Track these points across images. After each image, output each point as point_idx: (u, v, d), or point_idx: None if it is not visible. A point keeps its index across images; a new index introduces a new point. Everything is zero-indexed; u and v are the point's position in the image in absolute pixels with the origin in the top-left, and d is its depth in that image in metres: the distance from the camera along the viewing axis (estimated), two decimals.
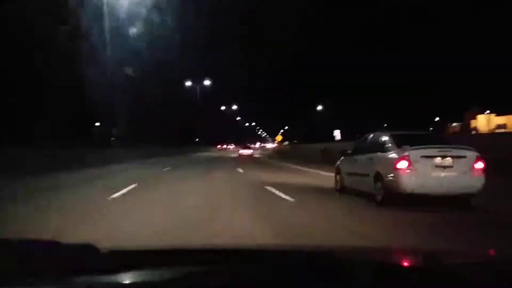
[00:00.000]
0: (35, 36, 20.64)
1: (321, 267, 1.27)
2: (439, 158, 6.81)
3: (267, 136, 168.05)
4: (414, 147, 6.93)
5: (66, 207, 7.32)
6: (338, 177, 9.52)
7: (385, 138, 7.65)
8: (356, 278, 1.14)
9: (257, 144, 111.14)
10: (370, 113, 62.88)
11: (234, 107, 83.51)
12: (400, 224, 5.83)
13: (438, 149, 6.93)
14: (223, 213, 6.65)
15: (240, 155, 40.44)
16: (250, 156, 40.49)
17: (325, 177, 12.79)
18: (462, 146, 7.18)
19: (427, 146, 7.01)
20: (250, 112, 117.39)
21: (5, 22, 18.49)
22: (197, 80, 53.84)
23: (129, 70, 29.18)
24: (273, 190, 9.41)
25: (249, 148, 46.77)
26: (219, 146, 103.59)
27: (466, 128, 35.77)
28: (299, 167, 19.52)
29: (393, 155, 7.10)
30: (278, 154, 41.98)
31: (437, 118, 47.09)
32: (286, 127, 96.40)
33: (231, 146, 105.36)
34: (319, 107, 53.83)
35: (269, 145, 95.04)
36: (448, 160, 6.81)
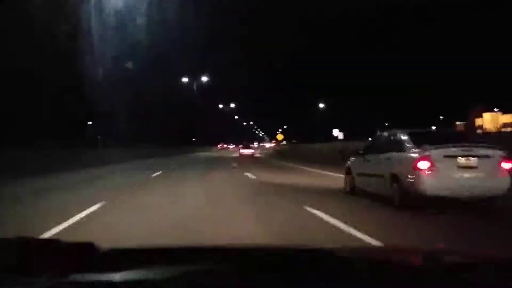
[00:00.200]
0: (34, 35, 20.18)
1: (321, 267, 1.25)
2: (463, 157, 6.27)
3: (265, 136, 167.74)
4: (435, 146, 6.40)
5: None
6: (348, 178, 8.98)
7: (402, 136, 7.09)
8: (356, 278, 1.13)
9: (255, 144, 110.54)
10: (370, 113, 62.63)
11: (232, 105, 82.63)
12: (425, 229, 5.30)
13: (461, 148, 6.39)
14: None
15: (241, 155, 39.91)
16: (251, 156, 40.00)
17: (335, 178, 12.31)
18: (486, 145, 6.65)
19: (450, 144, 6.47)
20: (248, 111, 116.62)
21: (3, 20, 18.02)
22: (195, 77, 52.88)
23: (129, 64, 28.52)
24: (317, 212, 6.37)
25: (249, 147, 46.32)
26: (219, 146, 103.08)
27: (471, 127, 35.31)
28: (314, 170, 18.88)
29: (412, 154, 6.56)
30: (279, 154, 41.42)
31: (441, 117, 46.66)
32: (285, 127, 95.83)
33: (231, 146, 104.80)
34: (319, 106, 53.33)
35: (268, 145, 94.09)
36: (473, 160, 6.27)
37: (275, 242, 4.70)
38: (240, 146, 48.24)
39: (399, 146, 6.99)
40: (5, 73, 18.07)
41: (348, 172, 9.02)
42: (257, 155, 45.91)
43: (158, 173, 16.04)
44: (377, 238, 4.54)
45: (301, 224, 5.69)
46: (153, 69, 38.09)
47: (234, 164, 22.25)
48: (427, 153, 6.29)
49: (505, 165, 6.36)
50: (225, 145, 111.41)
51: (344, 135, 42.47)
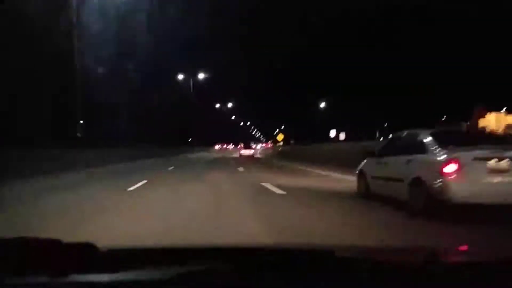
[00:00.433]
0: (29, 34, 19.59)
1: (321, 266, 1.23)
2: (494, 160, 5.69)
3: (261, 136, 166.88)
4: (463, 148, 5.83)
5: None
6: (361, 181, 8.41)
7: (424, 136, 6.50)
8: (356, 277, 1.12)
9: (252, 144, 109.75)
10: (369, 113, 61.95)
11: (230, 105, 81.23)
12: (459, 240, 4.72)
13: (492, 150, 5.82)
14: None
15: (241, 156, 39.78)
16: (252, 156, 39.89)
17: (345, 181, 11.72)
18: None
19: (479, 146, 5.90)
20: (245, 111, 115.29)
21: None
22: (193, 76, 51.44)
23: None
24: None
25: (250, 148, 46.02)
26: (218, 146, 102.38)
27: (475, 128, 34.81)
28: (327, 172, 18.34)
29: (438, 157, 5.97)
30: (282, 155, 40.79)
31: (444, 117, 46.02)
32: (283, 127, 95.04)
33: (231, 146, 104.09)
34: (318, 107, 52.78)
35: (266, 145, 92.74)
36: (505, 163, 5.69)
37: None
38: (240, 146, 47.80)
39: (421, 148, 6.41)
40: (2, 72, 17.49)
41: (361, 175, 8.45)
42: (258, 155, 45.48)
43: (139, 184, 11.19)
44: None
45: None
46: (150, 68, 37.35)
47: (241, 169, 19.04)
48: (455, 156, 5.72)
49: None
50: (224, 146, 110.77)
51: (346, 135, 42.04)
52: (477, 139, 6.52)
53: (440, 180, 5.73)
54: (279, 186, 10.05)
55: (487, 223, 5.44)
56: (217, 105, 78.37)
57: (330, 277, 1.12)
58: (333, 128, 41.83)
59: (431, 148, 6.21)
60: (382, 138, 53.60)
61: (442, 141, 6.18)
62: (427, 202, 5.94)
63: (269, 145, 66.97)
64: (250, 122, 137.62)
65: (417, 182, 6.21)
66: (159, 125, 43.61)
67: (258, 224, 5.56)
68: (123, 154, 26.40)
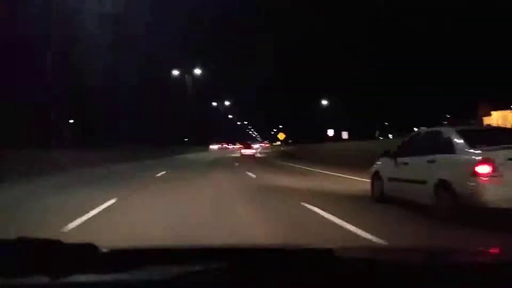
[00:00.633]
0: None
1: (321, 266, 1.20)
2: None
3: (258, 135, 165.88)
4: (496, 147, 5.27)
5: None
6: (376, 183, 7.83)
7: (451, 134, 5.93)
8: (356, 277, 1.11)
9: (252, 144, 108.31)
10: (369, 113, 61.42)
11: (227, 103, 79.29)
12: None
13: None
14: None
15: (243, 155, 39.80)
16: (253, 156, 39.92)
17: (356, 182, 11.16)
18: None
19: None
20: (242, 110, 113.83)
21: None
22: (189, 73, 48.85)
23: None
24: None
25: (251, 147, 46.13)
26: (218, 146, 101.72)
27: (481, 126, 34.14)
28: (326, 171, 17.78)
29: (469, 157, 5.41)
30: (283, 154, 40.26)
31: (448, 115, 45.60)
32: (280, 126, 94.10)
33: (231, 146, 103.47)
34: (317, 106, 52.12)
35: (264, 145, 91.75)
36: None
37: None
38: (239, 146, 47.46)
39: (447, 147, 5.84)
40: None
41: (375, 176, 7.88)
42: (258, 155, 45.17)
43: (101, 207, 7.14)
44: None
45: None
46: (145, 63, 36.06)
47: (252, 174, 15.06)
48: (489, 156, 5.15)
49: None
50: (224, 145, 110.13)
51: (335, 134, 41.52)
52: (505, 137, 5.93)
53: (471, 182, 5.17)
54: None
55: None
56: (214, 104, 76.50)
57: (329, 277, 1.11)
58: (330, 128, 41.50)
59: (460, 147, 5.64)
60: (381, 137, 53.41)
61: (471, 140, 5.62)
62: (455, 207, 5.38)
63: (267, 145, 66.08)
64: (246, 121, 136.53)
65: (442, 185, 5.65)
66: (154, 124, 42.30)
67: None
68: (107, 155, 23.92)
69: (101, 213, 6.68)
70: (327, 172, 15.60)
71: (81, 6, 24.10)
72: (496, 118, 33.96)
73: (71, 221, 5.79)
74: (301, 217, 6.34)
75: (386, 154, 7.58)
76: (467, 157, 5.43)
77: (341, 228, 5.47)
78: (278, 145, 77.63)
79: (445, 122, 31.41)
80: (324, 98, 48.17)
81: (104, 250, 1.30)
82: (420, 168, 6.29)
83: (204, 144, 72.50)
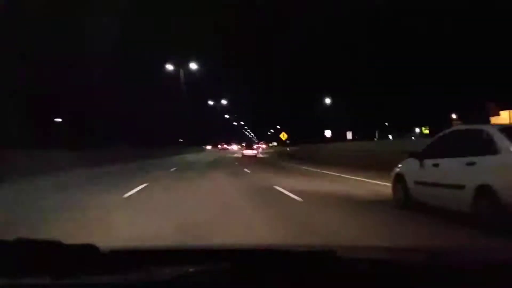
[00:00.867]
0: None
1: (321, 266, 1.18)
2: None
3: (254, 137, 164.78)
4: None
5: None
6: (399, 187, 7.14)
7: (494, 133, 5.23)
8: (357, 277, 1.11)
9: (242, 144, 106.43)
10: (369, 113, 60.87)
11: (224, 102, 75.65)
12: None
13: None
14: None
15: (244, 156, 39.89)
16: (255, 156, 39.85)
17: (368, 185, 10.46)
18: None
19: None
20: (238, 110, 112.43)
21: None
22: (182, 65, 44.30)
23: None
24: None
25: (252, 148, 46.19)
26: (219, 147, 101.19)
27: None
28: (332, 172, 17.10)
29: None
30: (285, 155, 39.56)
31: (454, 116, 44.82)
32: (278, 127, 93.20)
33: (230, 147, 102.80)
34: (318, 105, 51.51)
35: (260, 146, 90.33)
36: None
37: None
38: (239, 147, 47.07)
39: (490, 147, 5.14)
40: None
41: (399, 179, 7.18)
42: (260, 155, 44.84)
43: None
44: None
45: None
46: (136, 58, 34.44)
47: (281, 189, 10.13)
48: None
49: None
50: (224, 145, 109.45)
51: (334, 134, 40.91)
52: None
53: None
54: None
55: None
56: (211, 102, 73.31)
57: (330, 277, 1.10)
58: (329, 129, 41.09)
59: (505, 147, 4.95)
60: (379, 137, 52.67)
61: None
62: (499, 215, 4.71)
63: (264, 146, 65.03)
64: (243, 122, 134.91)
65: (484, 190, 4.97)
66: (139, 123, 40.17)
67: None
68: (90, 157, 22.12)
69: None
70: (341, 175, 14.93)
71: None
72: (504, 117, 33.21)
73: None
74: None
75: (413, 154, 6.88)
76: None
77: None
78: (275, 145, 76.40)
79: (460, 122, 30.57)
80: (324, 98, 47.48)
81: (105, 250, 1.28)
82: (456, 171, 5.60)
83: (198, 145, 69.35)
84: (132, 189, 10.37)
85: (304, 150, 33.97)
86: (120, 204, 8.06)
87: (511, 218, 4.59)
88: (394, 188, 7.38)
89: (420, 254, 1.60)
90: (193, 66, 43.08)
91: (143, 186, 11.26)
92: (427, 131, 55.14)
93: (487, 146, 5.19)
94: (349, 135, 34.41)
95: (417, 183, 6.58)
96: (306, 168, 19.94)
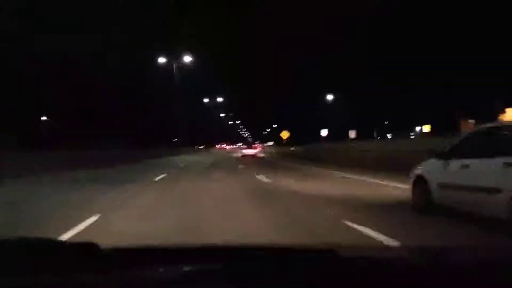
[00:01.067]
0: None
1: (321, 266, 1.20)
2: None
3: (249, 136, 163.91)
4: None
5: None
6: (420, 189, 6.51)
7: None
8: (356, 277, 1.09)
9: (238, 144, 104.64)
10: (368, 113, 60.48)
11: (220, 99, 73.75)
12: None
13: None
14: None
15: (244, 155, 40.01)
16: (255, 156, 40.09)
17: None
18: None
19: None
20: (233, 109, 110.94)
21: None
22: (174, 58, 41.84)
23: None
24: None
25: (253, 147, 45.98)
26: (218, 146, 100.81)
27: None
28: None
29: None
30: (286, 155, 38.92)
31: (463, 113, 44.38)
32: (274, 126, 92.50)
33: (229, 147, 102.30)
34: (318, 105, 51.10)
35: (259, 146, 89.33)
36: None
37: None
38: (237, 146, 46.76)
39: None
40: None
41: (419, 182, 6.55)
42: (261, 154, 44.50)
43: None
44: None
45: None
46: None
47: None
48: None
49: None
50: (224, 145, 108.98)
51: (329, 134, 40.44)
52: None
53: None
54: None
55: None
56: (206, 100, 70.85)
57: (330, 277, 1.08)
58: (328, 128, 40.75)
59: None
60: (379, 137, 52.08)
61: None
62: None
63: (260, 146, 64.06)
64: (237, 121, 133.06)
65: None
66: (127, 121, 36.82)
67: None
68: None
69: None
70: (355, 177, 14.32)
71: None
72: (510, 116, 32.66)
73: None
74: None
75: (438, 154, 6.25)
76: None
77: None
78: (271, 145, 75.37)
79: (472, 121, 29.93)
80: (324, 96, 46.96)
81: (106, 249, 1.26)
82: (491, 173, 4.97)
83: (192, 145, 65.71)
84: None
85: (313, 150, 32.23)
86: None
87: None
88: (413, 191, 6.75)
89: (420, 253, 1.57)
90: (187, 59, 40.99)
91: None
92: (428, 130, 54.61)
93: None
94: (352, 134, 33.69)
95: (442, 186, 5.95)
96: (343, 175, 14.40)
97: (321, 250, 1.55)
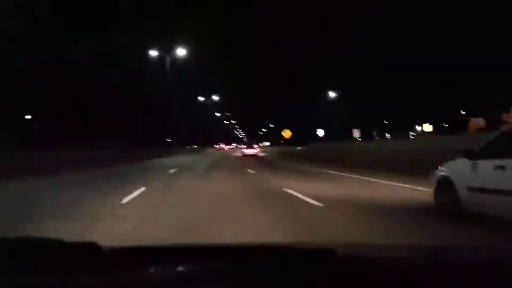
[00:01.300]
0: None
1: (321, 265, 1.19)
2: None
3: (245, 136, 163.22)
4: None
5: None
6: (444, 193, 6.14)
7: None
8: (356, 276, 1.07)
9: (233, 145, 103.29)
10: (368, 112, 60.26)
11: (216, 98, 73.09)
12: None
13: None
14: None
15: (245, 155, 39.61)
16: (255, 155, 39.37)
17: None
18: None
19: None
20: (228, 109, 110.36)
21: None
22: (168, 51, 39.69)
23: None
24: None
25: (253, 147, 45.75)
26: (217, 146, 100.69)
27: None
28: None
29: None
30: (287, 156, 38.53)
31: (463, 112, 44.11)
32: (272, 125, 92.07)
33: (227, 147, 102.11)
34: (317, 105, 50.89)
35: (257, 146, 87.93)
36: None
37: None
38: (234, 146, 46.39)
39: None
40: None
41: (444, 185, 6.17)
42: (261, 154, 44.24)
43: None
44: None
45: None
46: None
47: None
48: None
49: None
50: (223, 146, 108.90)
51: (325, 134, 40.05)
52: None
53: None
54: None
55: None
56: (201, 98, 69.86)
57: (330, 276, 1.07)
58: (327, 127, 40.55)
59: None
60: (378, 137, 51.74)
61: None
62: None
63: (256, 146, 63.30)
64: (232, 120, 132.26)
65: None
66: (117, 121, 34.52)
67: None
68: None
69: None
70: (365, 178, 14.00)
71: None
72: None
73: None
74: None
75: (468, 154, 5.85)
76: None
77: None
78: (267, 145, 74.70)
79: (480, 119, 29.58)
80: (324, 97, 46.60)
81: (106, 249, 1.24)
82: None
83: (187, 144, 62.58)
84: None
85: (319, 150, 31.00)
86: None
87: None
88: (436, 194, 6.37)
89: (420, 253, 1.56)
90: (181, 52, 38.84)
91: None
92: (429, 129, 54.28)
93: None
94: (356, 133, 33.25)
95: (472, 189, 5.57)
96: (369, 179, 12.75)
97: (321, 249, 1.55)
